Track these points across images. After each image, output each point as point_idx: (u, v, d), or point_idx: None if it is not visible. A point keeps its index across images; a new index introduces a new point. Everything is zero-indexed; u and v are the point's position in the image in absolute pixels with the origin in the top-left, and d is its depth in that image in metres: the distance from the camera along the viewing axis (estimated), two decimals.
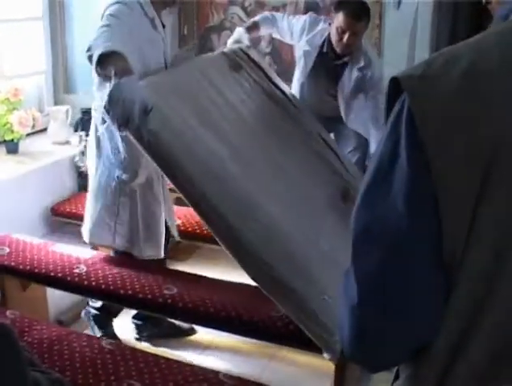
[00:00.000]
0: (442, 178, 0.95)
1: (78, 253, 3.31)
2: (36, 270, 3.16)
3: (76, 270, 3.12)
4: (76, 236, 3.93)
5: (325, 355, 2.41)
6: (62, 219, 3.93)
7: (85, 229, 3.24)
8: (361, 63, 3.69)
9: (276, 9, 4.67)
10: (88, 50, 2.55)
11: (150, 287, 2.97)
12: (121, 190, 3.08)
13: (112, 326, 3.39)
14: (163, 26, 3.04)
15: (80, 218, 3.82)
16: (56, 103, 4.60)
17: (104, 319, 3.36)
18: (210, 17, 4.83)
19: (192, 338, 3.46)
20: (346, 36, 3.55)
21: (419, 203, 0.97)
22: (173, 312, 2.92)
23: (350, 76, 3.71)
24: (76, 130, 4.34)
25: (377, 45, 4.50)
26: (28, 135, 4.14)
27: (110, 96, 2.30)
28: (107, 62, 2.44)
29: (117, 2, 2.80)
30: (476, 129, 0.94)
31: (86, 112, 4.37)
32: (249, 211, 2.50)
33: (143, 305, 2.98)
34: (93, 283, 3.03)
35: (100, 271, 3.11)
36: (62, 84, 4.63)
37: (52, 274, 3.11)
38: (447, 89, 0.96)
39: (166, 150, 2.39)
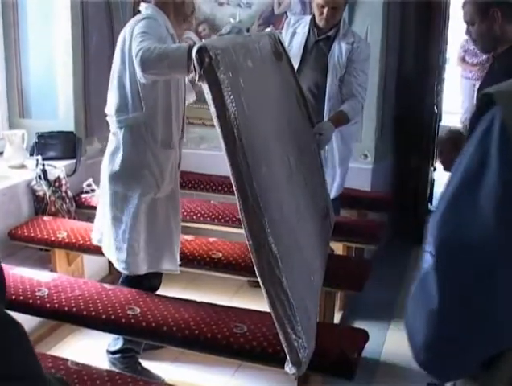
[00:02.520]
0: None
1: (39, 277, 3.32)
2: None
3: (38, 293, 3.13)
4: (35, 260, 3.95)
5: (287, 369, 2.49)
6: (20, 243, 3.91)
7: (118, 259, 3.19)
8: (351, 39, 3.86)
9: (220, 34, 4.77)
10: (137, 55, 2.69)
11: (113, 308, 3.00)
12: (141, 203, 3.09)
13: (140, 364, 3.36)
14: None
15: (38, 242, 3.85)
16: (12, 127, 4.58)
17: (131, 360, 3.33)
18: None
19: (163, 350, 3.50)
20: (325, 11, 3.74)
21: (509, 214, 0.98)
22: (137, 332, 2.95)
23: (340, 50, 3.84)
24: (31, 154, 4.33)
25: None
26: None
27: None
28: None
29: (145, 18, 2.92)
30: None
31: (42, 137, 4.39)
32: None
33: (107, 326, 3.00)
34: (56, 305, 3.05)
35: (62, 293, 3.13)
36: (17, 107, 4.61)
37: (13, 297, 3.12)
38: None
39: None
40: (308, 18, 3.96)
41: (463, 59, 8.50)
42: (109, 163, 3.13)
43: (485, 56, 7.46)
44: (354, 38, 3.89)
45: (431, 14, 5.28)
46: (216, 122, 2.40)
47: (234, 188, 2.41)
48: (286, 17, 4.58)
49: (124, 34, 2.99)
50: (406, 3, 5.26)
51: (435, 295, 1.03)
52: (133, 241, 3.10)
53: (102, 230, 3.26)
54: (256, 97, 2.71)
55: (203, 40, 4.77)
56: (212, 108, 2.40)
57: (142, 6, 3.10)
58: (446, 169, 2.69)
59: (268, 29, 3.92)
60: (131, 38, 2.85)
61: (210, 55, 2.36)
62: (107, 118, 3.16)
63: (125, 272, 3.19)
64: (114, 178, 3.12)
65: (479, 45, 2.89)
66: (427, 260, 1.08)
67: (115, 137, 3.11)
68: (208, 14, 4.97)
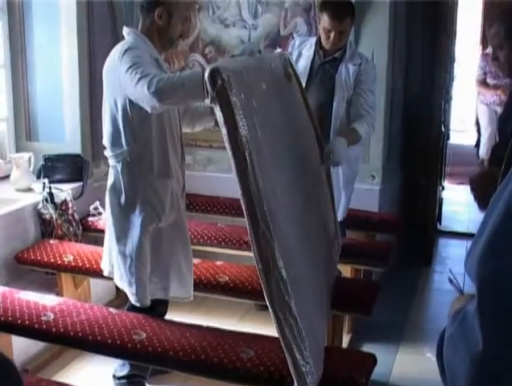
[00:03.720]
0: None
1: (44, 301, 3.31)
2: (2, 318, 3.14)
3: (44, 318, 3.12)
4: (41, 284, 3.94)
5: None
6: (26, 266, 3.91)
7: (130, 293, 3.17)
8: (358, 60, 3.86)
9: (231, 55, 4.80)
10: (150, 86, 2.62)
11: (119, 333, 2.98)
12: (143, 235, 3.06)
13: None
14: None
15: (44, 265, 3.84)
16: (19, 150, 4.59)
17: (137, 385, 3.31)
18: (171, 64, 4.92)
19: (170, 375, 3.44)
20: (332, 35, 3.72)
21: None
22: (143, 357, 2.93)
23: (348, 71, 3.83)
24: (38, 177, 4.34)
25: None
26: None
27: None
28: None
29: (127, 50, 2.86)
30: None
31: (48, 159, 4.40)
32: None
33: (113, 351, 2.98)
34: (62, 330, 3.03)
35: (68, 318, 3.11)
36: (24, 131, 4.63)
37: (19, 322, 3.11)
38: None
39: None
40: (313, 39, 3.95)
41: (483, 82, 7.64)
42: (110, 198, 3.12)
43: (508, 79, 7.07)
44: (361, 59, 3.88)
45: (438, 32, 5.27)
46: (227, 145, 2.39)
47: (244, 212, 2.39)
48: (293, 38, 4.58)
49: (109, 65, 2.95)
50: (412, 22, 5.27)
51: (479, 338, 0.99)
52: (140, 274, 3.08)
53: (113, 262, 3.24)
54: (268, 120, 2.71)
55: (211, 62, 4.86)
56: (224, 131, 2.38)
57: (125, 31, 3.06)
58: (481, 206, 2.60)
59: (278, 50, 3.92)
60: (119, 70, 2.81)
61: (223, 77, 2.35)
62: (105, 152, 3.13)
63: (137, 304, 3.16)
64: (115, 212, 3.11)
65: (507, 71, 2.74)
66: (469, 307, 1.02)
67: (113, 171, 3.09)
68: (214, 35, 4.98)
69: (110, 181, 3.11)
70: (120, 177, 3.04)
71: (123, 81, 2.79)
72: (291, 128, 3.11)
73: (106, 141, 3.07)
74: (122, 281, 3.17)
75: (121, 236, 3.11)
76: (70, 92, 4.48)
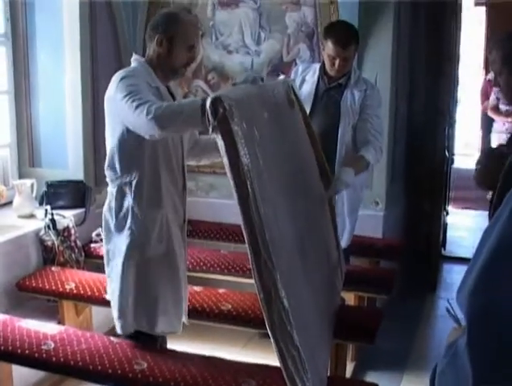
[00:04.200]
0: None
1: (45, 329, 3.28)
2: (2, 347, 3.12)
3: (44, 346, 3.09)
4: (43, 311, 3.91)
5: None
6: (28, 294, 3.88)
7: (114, 317, 3.11)
8: (364, 86, 3.85)
9: (234, 83, 4.79)
10: (149, 113, 2.59)
11: (120, 362, 2.95)
12: (128, 263, 3.01)
13: None
14: (172, 96, 3.06)
15: (46, 293, 3.82)
16: (21, 176, 4.59)
17: None
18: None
19: None
20: (337, 62, 3.72)
21: None
22: None
23: (353, 97, 3.83)
24: (41, 204, 4.33)
25: None
26: None
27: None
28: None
29: (124, 77, 2.82)
30: None
31: (51, 186, 4.40)
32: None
33: (113, 381, 2.94)
34: (62, 359, 3.00)
35: (68, 347, 3.08)
36: (27, 157, 4.64)
37: (19, 351, 3.08)
38: None
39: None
40: (317, 65, 3.95)
41: (496, 109, 7.67)
42: (103, 221, 3.11)
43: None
44: (366, 85, 3.88)
45: (441, 56, 5.28)
46: (229, 174, 2.38)
47: (246, 241, 2.38)
48: (296, 64, 4.59)
49: (108, 93, 2.91)
50: (416, 47, 5.28)
51: (469, 374, 0.97)
52: (121, 300, 3.03)
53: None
54: (270, 148, 2.70)
55: (214, 88, 4.88)
56: (225, 160, 2.38)
57: (132, 58, 3.05)
58: (484, 187, 2.54)
59: (281, 76, 3.92)
60: (115, 99, 2.78)
61: (224, 105, 2.35)
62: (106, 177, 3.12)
63: (118, 331, 3.12)
64: (106, 235, 3.11)
65: (507, 96, 2.73)
66: (459, 343, 0.99)
67: (109, 195, 3.08)
68: (217, 62, 4.99)
69: (106, 205, 3.10)
70: (114, 203, 3.03)
71: (120, 109, 2.77)
72: (293, 155, 3.10)
73: (106, 165, 3.05)
74: (111, 305, 3.14)
75: (108, 259, 3.10)
76: (73, 119, 4.49)
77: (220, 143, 2.39)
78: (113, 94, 2.80)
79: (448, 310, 1.50)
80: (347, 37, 3.71)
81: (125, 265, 3.00)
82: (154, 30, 2.95)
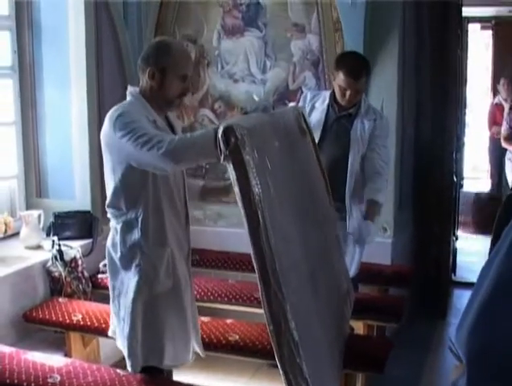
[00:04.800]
0: None
1: (51, 361, 3.25)
2: (8, 381, 3.09)
3: (50, 380, 3.06)
4: (50, 342, 3.90)
5: None
6: (34, 325, 3.87)
7: (125, 356, 3.06)
8: (373, 116, 3.86)
9: (245, 111, 4.80)
10: (160, 148, 2.54)
11: None
12: (136, 299, 2.95)
13: None
14: (172, 127, 3.01)
15: (53, 324, 3.80)
16: (29, 207, 4.60)
17: None
18: (181, 120, 4.93)
19: None
20: (348, 93, 3.73)
21: None
22: None
23: (363, 127, 3.83)
24: (48, 235, 4.33)
25: None
26: (0, 239, 4.13)
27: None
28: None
29: (121, 115, 2.75)
30: None
31: (58, 217, 4.40)
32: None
33: None
34: None
35: (74, 380, 3.05)
36: (34, 187, 4.65)
37: (25, 384, 3.05)
38: None
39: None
40: (327, 93, 3.95)
41: (510, 138, 7.30)
42: (108, 257, 3.05)
43: None
44: (375, 114, 3.90)
45: (448, 80, 5.28)
46: (240, 203, 2.37)
47: (256, 271, 2.37)
48: (302, 92, 4.59)
49: (104, 131, 2.84)
50: (422, 72, 5.28)
51: None
52: (131, 339, 2.98)
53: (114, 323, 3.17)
54: (281, 177, 2.69)
55: (220, 117, 4.89)
56: (237, 189, 2.37)
57: (128, 90, 2.99)
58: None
59: (292, 104, 3.92)
60: (114, 137, 2.73)
61: (236, 135, 2.35)
62: (108, 213, 3.06)
63: (129, 369, 3.07)
64: (111, 272, 3.05)
65: None
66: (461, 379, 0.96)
67: (113, 231, 3.03)
68: (223, 91, 5.01)
69: (110, 241, 3.04)
70: (118, 238, 2.97)
71: (122, 147, 2.71)
72: (303, 184, 3.09)
73: (107, 202, 3.00)
74: (119, 342, 3.10)
75: (116, 297, 3.04)
76: (80, 149, 4.51)
77: (232, 173, 2.38)
78: (112, 132, 2.74)
79: (449, 348, 1.48)
80: (359, 69, 3.73)
81: (134, 303, 2.95)
82: (146, 63, 2.88)
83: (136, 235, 2.92)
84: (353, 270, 3.91)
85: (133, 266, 2.94)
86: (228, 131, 2.36)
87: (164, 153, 2.54)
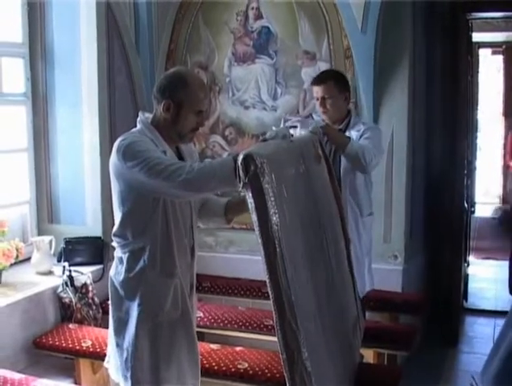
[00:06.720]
0: None
1: None
2: None
3: None
4: (60, 368, 3.90)
5: None
6: (44, 351, 3.87)
7: None
8: (361, 127, 3.92)
9: (256, 137, 4.83)
10: (178, 176, 2.52)
11: None
12: (140, 329, 2.87)
13: None
14: (183, 159, 2.93)
15: (63, 351, 3.80)
16: (40, 233, 4.63)
17: None
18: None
19: None
20: (318, 103, 3.91)
21: None
22: None
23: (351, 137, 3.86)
24: (59, 260, 4.35)
25: None
26: (11, 265, 4.14)
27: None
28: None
29: (129, 144, 2.70)
30: None
31: (69, 242, 4.42)
32: None
33: None
34: None
35: None
36: (46, 213, 4.68)
37: None
38: None
39: None
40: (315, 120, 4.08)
41: None
42: (111, 287, 2.96)
43: None
44: (364, 125, 3.95)
45: (458, 104, 5.27)
46: (257, 231, 2.36)
47: (271, 301, 2.36)
48: (312, 118, 4.61)
49: (111, 160, 2.79)
50: (432, 97, 5.29)
51: None
52: (135, 370, 2.89)
53: (110, 353, 3.08)
54: (296, 205, 2.69)
55: (231, 144, 4.90)
56: (254, 217, 2.36)
57: (139, 118, 2.94)
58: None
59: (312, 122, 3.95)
60: (123, 167, 2.69)
61: (256, 163, 2.34)
62: (113, 242, 3.00)
63: None
64: (114, 303, 2.96)
65: None
66: None
67: (117, 260, 2.94)
68: (234, 117, 5.04)
69: (113, 270, 2.97)
70: (123, 268, 2.89)
71: (133, 178, 2.67)
72: (318, 211, 3.08)
73: (114, 231, 2.94)
74: (118, 374, 2.99)
75: (119, 327, 2.94)
76: (91, 176, 4.54)
77: (250, 201, 2.37)
78: (119, 163, 2.69)
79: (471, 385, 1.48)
80: (322, 75, 3.96)
81: (138, 333, 2.86)
82: (161, 94, 2.83)
83: (143, 264, 2.85)
84: (367, 286, 3.94)
85: (137, 296, 2.86)
86: (248, 159, 2.35)
87: (184, 182, 2.52)
